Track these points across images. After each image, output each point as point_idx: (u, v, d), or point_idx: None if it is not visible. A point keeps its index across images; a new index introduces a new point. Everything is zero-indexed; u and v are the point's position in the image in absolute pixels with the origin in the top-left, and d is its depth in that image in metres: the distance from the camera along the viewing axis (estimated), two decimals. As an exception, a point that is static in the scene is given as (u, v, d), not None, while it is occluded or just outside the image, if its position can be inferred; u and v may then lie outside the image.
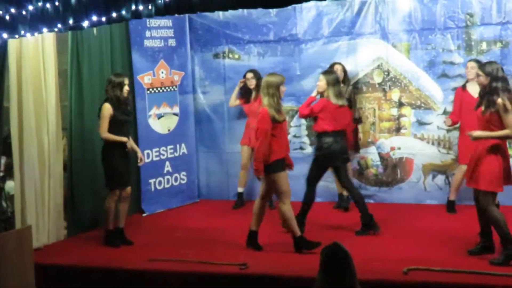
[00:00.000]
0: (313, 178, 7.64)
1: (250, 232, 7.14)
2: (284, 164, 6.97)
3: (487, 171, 6.22)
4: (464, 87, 8.20)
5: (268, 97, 6.81)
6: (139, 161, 7.70)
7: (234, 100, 9.29)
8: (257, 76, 8.90)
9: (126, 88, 7.43)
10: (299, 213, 7.48)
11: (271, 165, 6.82)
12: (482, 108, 6.31)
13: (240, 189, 9.24)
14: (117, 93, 7.36)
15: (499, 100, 6.09)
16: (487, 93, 6.24)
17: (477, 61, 8.06)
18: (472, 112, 7.85)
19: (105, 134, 7.33)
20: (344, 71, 8.63)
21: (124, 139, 7.40)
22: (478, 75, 6.43)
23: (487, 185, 6.24)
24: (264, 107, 6.80)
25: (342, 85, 8.48)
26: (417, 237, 7.35)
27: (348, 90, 8.59)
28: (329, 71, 7.86)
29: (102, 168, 7.57)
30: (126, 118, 7.52)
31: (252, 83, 8.98)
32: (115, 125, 7.36)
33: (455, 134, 8.54)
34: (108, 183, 7.51)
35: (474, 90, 8.03)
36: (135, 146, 7.68)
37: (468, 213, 8.09)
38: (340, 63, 8.68)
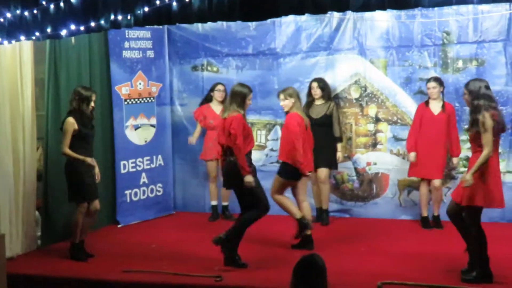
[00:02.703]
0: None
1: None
2: None
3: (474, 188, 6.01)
4: (427, 103, 8.27)
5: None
6: (97, 177, 7.49)
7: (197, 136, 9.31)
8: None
9: (92, 104, 7.31)
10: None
11: None
12: (467, 126, 6.28)
13: (213, 202, 9.23)
14: (83, 107, 7.23)
15: (480, 118, 5.97)
16: (471, 111, 6.14)
17: (437, 80, 8.15)
18: (431, 128, 7.94)
19: (66, 149, 7.17)
20: (321, 87, 8.62)
21: (83, 158, 7.20)
22: (463, 93, 6.38)
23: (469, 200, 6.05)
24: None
25: (322, 101, 8.53)
26: (392, 251, 7.38)
27: (330, 106, 8.61)
28: None
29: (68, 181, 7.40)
30: (90, 132, 7.38)
31: (221, 96, 9.00)
32: (79, 140, 7.21)
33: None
34: (75, 197, 7.34)
35: (435, 107, 8.13)
36: (94, 162, 7.47)
37: (444, 229, 8.19)
38: (316, 80, 8.69)
